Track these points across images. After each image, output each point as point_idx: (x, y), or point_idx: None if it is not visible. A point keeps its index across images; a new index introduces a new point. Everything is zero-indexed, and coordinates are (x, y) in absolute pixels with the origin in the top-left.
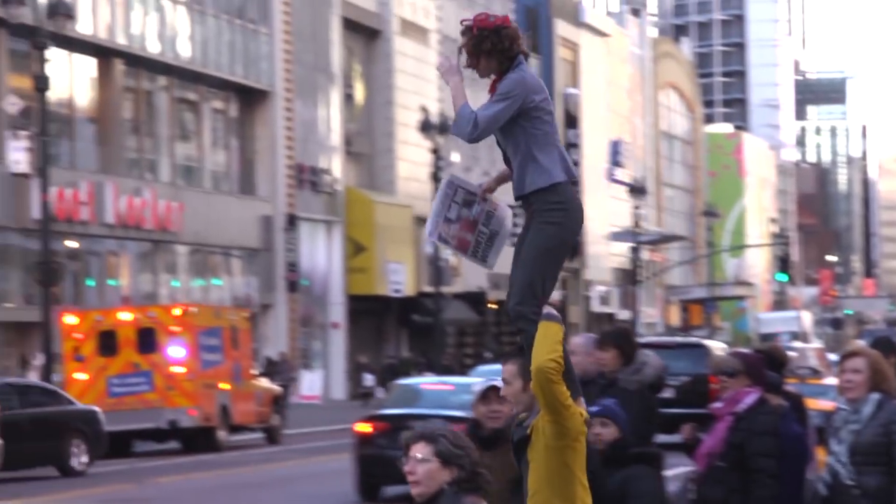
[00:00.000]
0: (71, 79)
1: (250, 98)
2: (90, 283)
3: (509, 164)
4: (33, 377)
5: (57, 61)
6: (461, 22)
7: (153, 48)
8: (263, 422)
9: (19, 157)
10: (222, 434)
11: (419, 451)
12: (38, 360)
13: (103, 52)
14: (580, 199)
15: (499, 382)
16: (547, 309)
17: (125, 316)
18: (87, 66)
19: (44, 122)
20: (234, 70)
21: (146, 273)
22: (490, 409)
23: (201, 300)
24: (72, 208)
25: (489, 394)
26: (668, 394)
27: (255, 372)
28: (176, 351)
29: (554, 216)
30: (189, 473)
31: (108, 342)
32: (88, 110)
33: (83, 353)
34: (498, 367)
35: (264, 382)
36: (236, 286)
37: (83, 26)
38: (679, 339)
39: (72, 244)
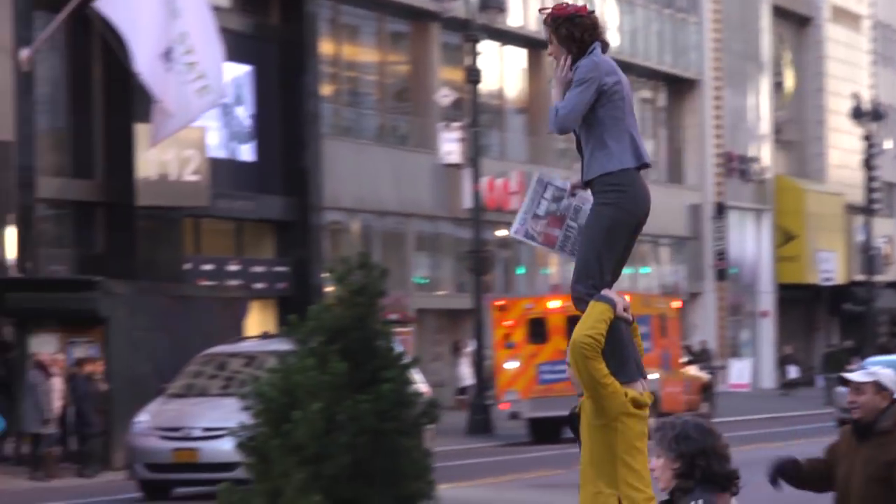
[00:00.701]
0: (501, 70)
1: (679, 87)
2: (520, 271)
3: (581, 151)
4: (465, 364)
5: (488, 53)
6: (540, 11)
7: None
8: (692, 409)
9: (452, 147)
10: (652, 422)
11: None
12: (470, 347)
13: (533, 44)
14: (645, 183)
15: (853, 374)
16: (605, 291)
17: (555, 304)
18: (518, 57)
19: (475, 114)
20: (663, 59)
21: None
22: (849, 401)
23: (630, 289)
24: (502, 198)
25: (849, 385)
26: None
27: (683, 360)
28: None
29: (608, 197)
30: None
31: (537, 330)
32: (518, 101)
33: (514, 341)
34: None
35: (693, 370)
36: (664, 275)
37: (514, 19)
38: None
39: (502, 233)
